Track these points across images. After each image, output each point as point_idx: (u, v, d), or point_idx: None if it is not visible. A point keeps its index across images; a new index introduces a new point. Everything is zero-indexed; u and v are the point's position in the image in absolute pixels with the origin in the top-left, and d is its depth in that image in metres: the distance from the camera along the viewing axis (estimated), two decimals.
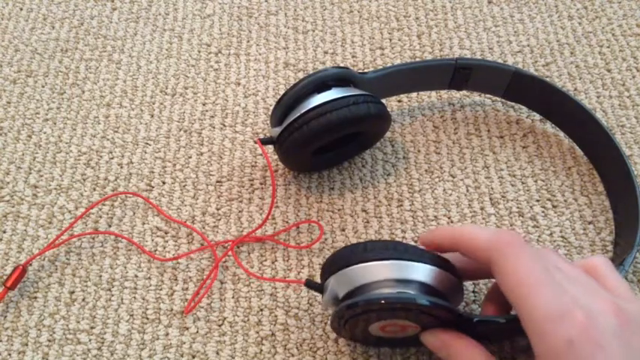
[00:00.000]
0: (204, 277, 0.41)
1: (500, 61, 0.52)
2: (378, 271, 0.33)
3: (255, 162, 0.47)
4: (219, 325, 0.39)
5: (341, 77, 0.41)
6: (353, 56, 0.53)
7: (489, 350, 0.33)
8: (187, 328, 0.39)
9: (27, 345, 0.39)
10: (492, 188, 0.45)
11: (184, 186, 0.45)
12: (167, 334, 0.39)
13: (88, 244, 0.43)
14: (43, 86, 0.51)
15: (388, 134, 0.47)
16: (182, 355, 0.38)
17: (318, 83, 0.40)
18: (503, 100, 0.49)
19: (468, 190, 0.45)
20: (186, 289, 0.41)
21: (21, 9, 0.57)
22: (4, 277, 0.41)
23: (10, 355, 0.38)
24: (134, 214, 0.44)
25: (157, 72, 0.52)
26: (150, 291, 0.41)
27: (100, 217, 0.44)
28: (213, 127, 0.49)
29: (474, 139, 0.47)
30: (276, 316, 0.39)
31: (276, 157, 0.46)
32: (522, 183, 0.45)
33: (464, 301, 0.39)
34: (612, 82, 0.50)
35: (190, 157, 0.47)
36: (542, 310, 0.28)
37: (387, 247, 0.33)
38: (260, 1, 0.57)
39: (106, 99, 0.50)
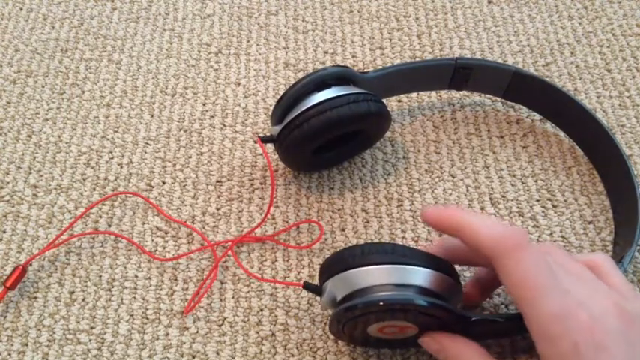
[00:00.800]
0: (204, 277, 0.41)
1: (500, 61, 0.52)
2: (376, 275, 0.33)
3: (255, 162, 0.47)
4: (219, 325, 0.39)
5: (341, 76, 0.41)
6: (353, 56, 0.53)
7: (490, 351, 0.33)
8: (187, 328, 0.39)
9: (27, 345, 0.39)
10: (492, 188, 0.45)
11: (184, 186, 0.45)
12: (167, 334, 0.39)
13: (88, 244, 0.43)
14: (43, 86, 0.51)
15: (388, 134, 0.47)
16: (182, 355, 0.38)
17: (318, 82, 0.40)
18: (503, 100, 0.49)
19: (468, 190, 0.45)
20: (186, 289, 0.41)
21: (21, 9, 0.57)
22: (4, 277, 0.41)
23: (10, 355, 0.38)
24: (134, 214, 0.44)
25: (157, 72, 0.52)
26: (150, 291, 0.41)
27: (100, 217, 0.44)
28: (213, 127, 0.49)
29: (474, 139, 0.47)
30: (276, 316, 0.39)
31: (276, 156, 0.46)
32: (522, 183, 0.45)
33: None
34: (612, 82, 0.50)
35: (190, 157, 0.47)
36: (546, 312, 0.28)
37: (385, 251, 0.33)
38: (260, 1, 0.57)
39: (106, 99, 0.50)
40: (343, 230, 0.43)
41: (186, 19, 0.56)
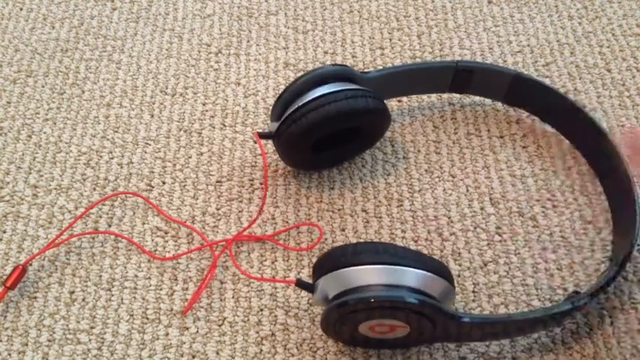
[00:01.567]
0: (204, 276, 0.41)
1: (500, 61, 0.52)
2: (368, 275, 0.33)
3: (255, 162, 0.47)
4: (219, 325, 0.39)
5: (340, 75, 0.41)
6: (353, 56, 0.53)
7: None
8: (187, 328, 0.39)
9: (27, 345, 0.39)
10: (492, 188, 0.45)
11: (184, 186, 0.45)
12: (167, 334, 0.39)
13: (88, 244, 0.43)
14: (43, 86, 0.51)
15: (388, 134, 0.47)
16: (182, 355, 0.38)
17: (317, 80, 0.40)
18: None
19: (467, 190, 0.45)
20: (186, 289, 0.41)
21: (21, 9, 0.57)
22: (4, 277, 0.41)
23: (10, 355, 0.38)
24: (134, 214, 0.44)
25: (157, 72, 0.52)
26: (150, 291, 0.41)
27: (100, 217, 0.44)
28: (213, 127, 0.49)
29: (474, 139, 0.47)
30: (276, 316, 0.39)
31: (276, 156, 0.46)
32: (522, 183, 0.45)
33: (463, 302, 0.39)
34: (612, 82, 0.50)
35: (190, 157, 0.47)
36: None
37: (377, 251, 0.33)
38: (260, 1, 0.57)
39: (106, 99, 0.50)
40: (343, 230, 0.43)
41: (186, 19, 0.56)
